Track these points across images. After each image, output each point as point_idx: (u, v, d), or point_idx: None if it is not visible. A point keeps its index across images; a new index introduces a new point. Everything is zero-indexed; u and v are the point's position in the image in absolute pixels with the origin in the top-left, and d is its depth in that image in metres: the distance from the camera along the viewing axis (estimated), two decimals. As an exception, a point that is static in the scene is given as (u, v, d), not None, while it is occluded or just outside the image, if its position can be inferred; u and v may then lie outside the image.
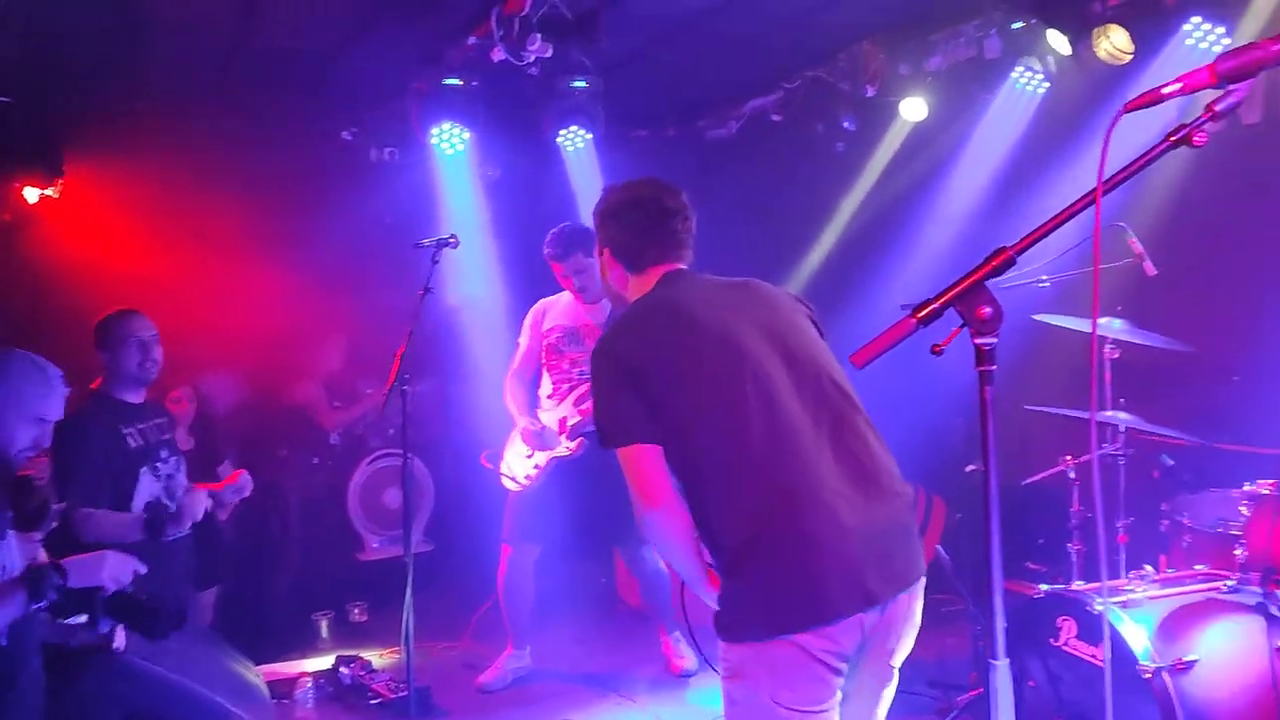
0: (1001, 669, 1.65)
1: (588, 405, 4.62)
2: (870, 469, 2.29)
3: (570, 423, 4.73)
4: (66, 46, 5.11)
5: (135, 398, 3.81)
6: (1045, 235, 1.68)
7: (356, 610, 5.93)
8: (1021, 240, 1.67)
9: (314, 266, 6.37)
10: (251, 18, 4.97)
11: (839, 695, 2.22)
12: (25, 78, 5.05)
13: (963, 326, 1.69)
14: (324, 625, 5.73)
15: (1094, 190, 1.64)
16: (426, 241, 4.38)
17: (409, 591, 4.12)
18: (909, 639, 2.36)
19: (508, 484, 4.87)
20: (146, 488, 3.67)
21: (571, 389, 4.79)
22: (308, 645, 5.63)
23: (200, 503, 3.65)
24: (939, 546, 4.06)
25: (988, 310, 1.66)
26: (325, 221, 6.37)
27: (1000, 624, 1.67)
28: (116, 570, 2.77)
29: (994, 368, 1.66)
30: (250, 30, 5.17)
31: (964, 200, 5.87)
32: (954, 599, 5.56)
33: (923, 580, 2.35)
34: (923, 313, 1.67)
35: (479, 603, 5.62)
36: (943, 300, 1.67)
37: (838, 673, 2.18)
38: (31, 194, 5.47)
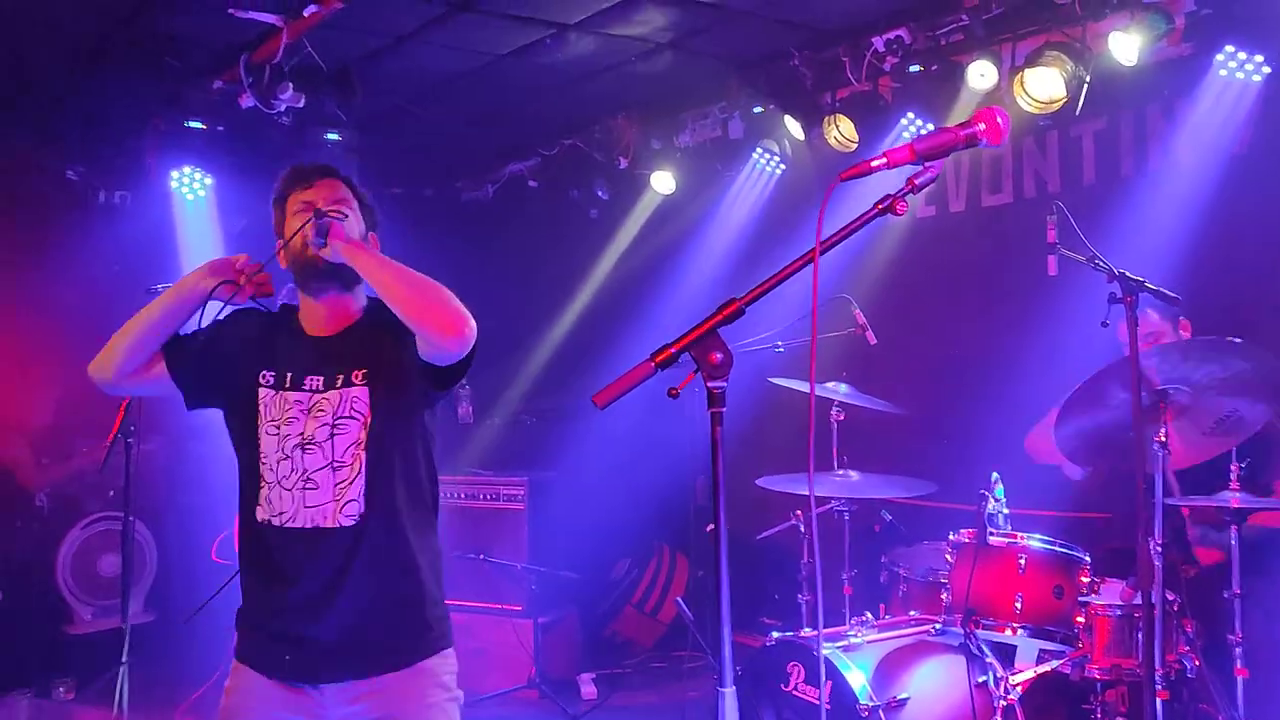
0: (729, 696, 1.73)
1: None
2: None
3: None
4: None
5: None
6: (770, 289, 1.81)
7: (62, 688, 5.40)
8: (749, 293, 1.80)
9: (26, 313, 5.85)
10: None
11: None
12: None
13: (696, 371, 1.79)
14: (23, 705, 5.17)
15: (813, 249, 1.80)
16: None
17: (124, 666, 3.81)
18: None
19: None
20: None
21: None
22: (2, 729, 5.07)
23: None
24: (679, 600, 4.18)
25: (719, 356, 1.76)
26: (42, 265, 5.89)
27: (728, 652, 1.75)
28: None
29: (724, 409, 1.76)
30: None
31: (709, 266, 6.21)
32: (695, 655, 5.74)
33: None
34: (660, 358, 1.76)
35: (202, 676, 5.24)
36: (678, 346, 1.76)
37: None
38: None
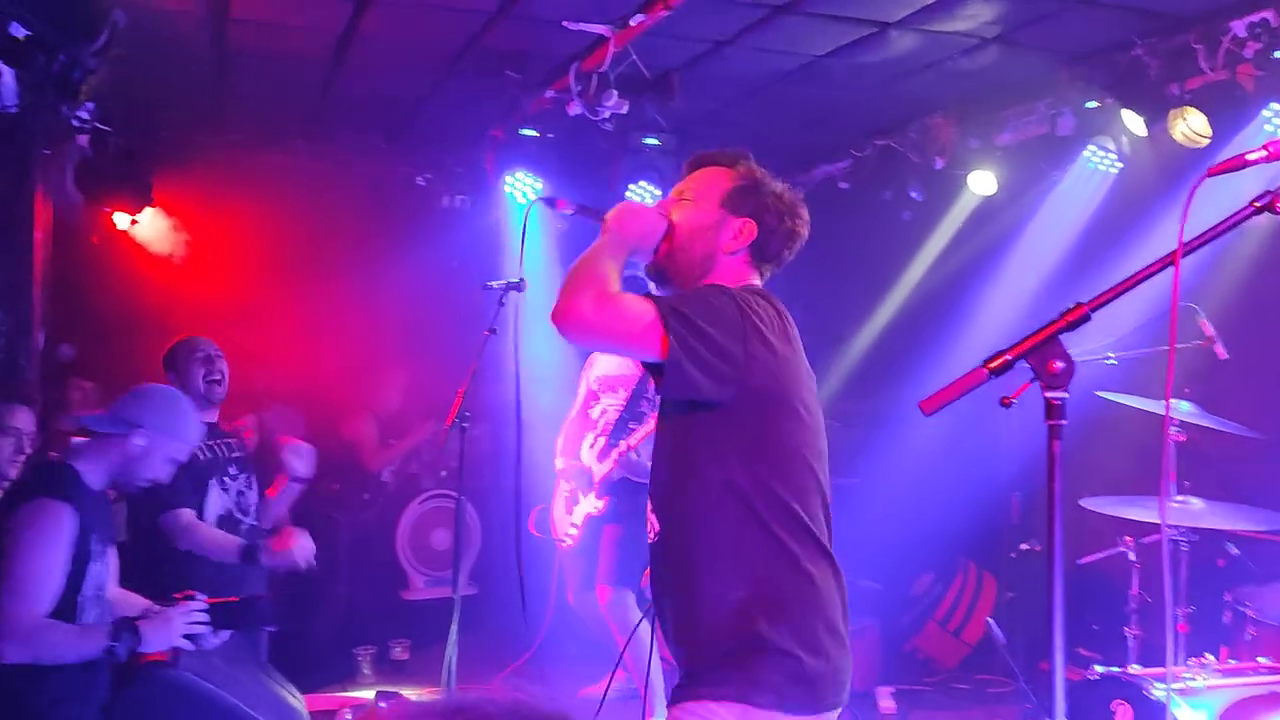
0: (1062, 730, 1.62)
1: (610, 459, 4.67)
2: None
3: (596, 479, 4.78)
4: (162, 76, 5.32)
5: (205, 416, 3.89)
6: (1122, 294, 1.68)
7: (398, 648, 5.93)
8: (1098, 297, 1.67)
9: (379, 305, 6.49)
10: (343, 59, 5.15)
11: None
12: (121, 106, 5.27)
13: (1034, 380, 1.68)
14: (366, 660, 5.73)
15: (1173, 252, 1.65)
16: (495, 283, 4.45)
17: (454, 630, 4.12)
18: None
19: (559, 543, 4.96)
20: (216, 499, 3.76)
21: (596, 437, 4.84)
22: (348, 679, 5.63)
23: (304, 553, 3.64)
24: (990, 619, 3.97)
25: (1060, 364, 1.65)
26: (394, 262, 6.52)
27: (1061, 685, 1.64)
28: (187, 628, 2.91)
29: (1064, 422, 1.65)
30: (340, 71, 5.36)
31: (1030, 275, 5.84)
32: (1001, 680, 5.45)
33: None
34: (994, 363, 1.67)
35: (518, 649, 5.60)
36: (1015, 352, 1.67)
37: None
38: (121, 219, 5.68)
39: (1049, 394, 1.66)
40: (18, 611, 2.69)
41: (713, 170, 2.36)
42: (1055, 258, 5.78)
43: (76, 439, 3.08)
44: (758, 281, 2.33)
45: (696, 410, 2.11)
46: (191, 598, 2.96)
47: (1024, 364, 1.67)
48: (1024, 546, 4.68)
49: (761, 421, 2.11)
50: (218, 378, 3.86)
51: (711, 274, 2.27)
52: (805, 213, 2.36)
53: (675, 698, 2.09)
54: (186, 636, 2.90)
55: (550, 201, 2.50)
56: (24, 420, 3.39)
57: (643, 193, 6.01)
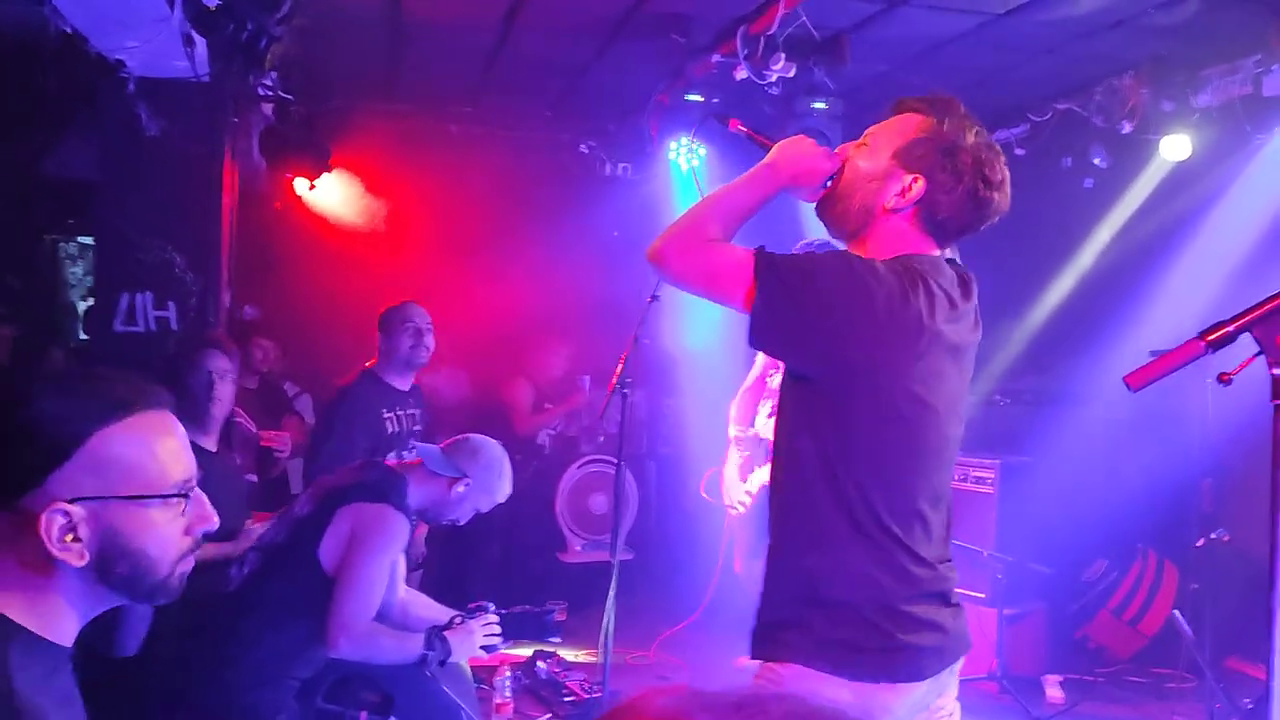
0: (1280, 737, 1.49)
1: None
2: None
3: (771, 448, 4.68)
4: (338, 47, 5.49)
5: (402, 384, 4.05)
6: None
7: (556, 609, 6.02)
8: (1338, 265, 1.51)
9: (541, 272, 6.58)
10: (511, 27, 5.20)
11: None
12: (301, 76, 5.47)
13: (1258, 354, 1.54)
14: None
15: None
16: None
17: (612, 594, 4.16)
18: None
19: (729, 510, 4.91)
20: None
21: (775, 406, 4.74)
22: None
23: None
24: (1176, 611, 3.74)
25: (1292, 338, 1.51)
26: (556, 230, 6.59)
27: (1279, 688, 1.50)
28: (485, 640, 3.07)
29: (1296, 403, 1.51)
30: (507, 39, 5.41)
31: (1227, 247, 5.42)
32: (1182, 675, 5.15)
33: None
34: (1213, 335, 1.54)
35: (672, 615, 5.62)
36: (1238, 324, 1.53)
37: None
38: (301, 185, 5.92)
39: (1277, 370, 1.51)
40: (356, 612, 2.80)
41: (906, 117, 2.09)
42: (1257, 228, 5.35)
43: (408, 463, 3.25)
44: (934, 251, 2.08)
45: (796, 378, 2.06)
46: (484, 609, 3.11)
47: (1248, 336, 1.54)
48: (1213, 535, 4.38)
49: (846, 401, 1.97)
50: (424, 349, 4.04)
51: (869, 230, 2.07)
52: (1000, 178, 2.06)
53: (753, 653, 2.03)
54: (483, 647, 3.05)
55: (722, 117, 2.37)
56: (216, 362, 3.49)
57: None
